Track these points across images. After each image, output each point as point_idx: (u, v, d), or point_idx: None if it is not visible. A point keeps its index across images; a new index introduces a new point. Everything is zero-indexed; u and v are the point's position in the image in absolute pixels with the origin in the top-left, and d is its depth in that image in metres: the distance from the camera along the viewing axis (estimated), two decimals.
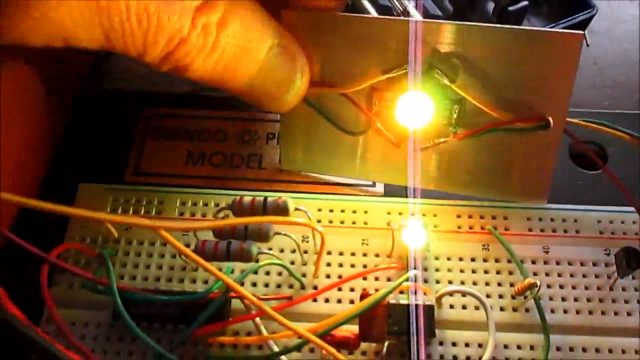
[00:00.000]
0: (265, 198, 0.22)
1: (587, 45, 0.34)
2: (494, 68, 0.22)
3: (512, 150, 0.24)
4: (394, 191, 0.27)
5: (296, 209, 0.22)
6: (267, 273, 0.24)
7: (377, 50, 0.23)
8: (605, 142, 0.28)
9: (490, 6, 0.34)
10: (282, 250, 0.24)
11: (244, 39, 0.20)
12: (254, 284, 0.24)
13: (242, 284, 0.23)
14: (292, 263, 0.24)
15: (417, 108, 0.23)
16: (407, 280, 0.21)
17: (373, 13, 0.32)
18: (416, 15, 0.31)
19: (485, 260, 0.24)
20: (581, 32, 0.22)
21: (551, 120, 0.22)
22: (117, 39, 0.18)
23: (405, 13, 0.32)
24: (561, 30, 0.23)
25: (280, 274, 0.24)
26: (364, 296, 0.21)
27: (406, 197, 0.26)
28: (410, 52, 0.22)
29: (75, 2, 0.17)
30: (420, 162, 0.25)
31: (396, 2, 0.32)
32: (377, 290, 0.21)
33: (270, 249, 0.23)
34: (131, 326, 0.21)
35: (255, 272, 0.23)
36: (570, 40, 0.21)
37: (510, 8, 0.32)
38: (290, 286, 0.24)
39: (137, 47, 0.19)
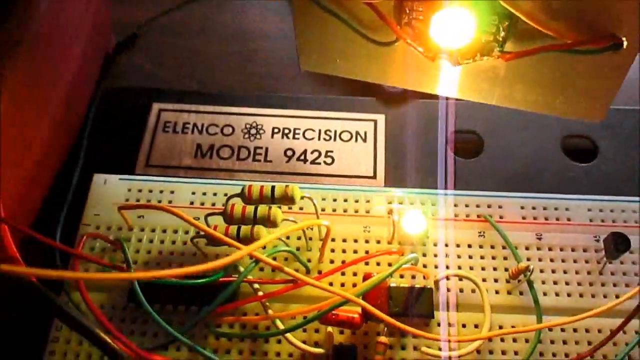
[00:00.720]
0: (273, 186, 0.23)
1: None
2: None
3: (572, 71, 0.21)
4: (393, 184, 0.28)
5: (302, 197, 0.23)
6: (274, 258, 0.25)
7: None
8: (596, 136, 0.30)
9: None
10: (288, 237, 0.25)
11: None
12: (262, 269, 0.25)
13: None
14: (298, 249, 0.25)
15: (455, 26, 0.20)
16: (407, 262, 0.23)
17: None
18: None
19: (481, 247, 0.25)
20: None
21: (624, 40, 0.20)
22: None
23: None
24: None
25: (286, 259, 0.25)
26: (366, 277, 0.22)
27: (406, 187, 0.27)
28: None
29: None
30: (458, 75, 0.23)
31: None
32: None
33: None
34: (147, 309, 0.22)
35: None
36: None
37: None
38: (296, 271, 0.25)
39: None
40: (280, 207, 0.23)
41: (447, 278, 0.24)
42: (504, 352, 0.23)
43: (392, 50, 0.23)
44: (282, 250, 0.24)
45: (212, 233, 0.21)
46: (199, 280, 0.23)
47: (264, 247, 0.25)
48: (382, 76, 0.25)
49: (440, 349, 0.22)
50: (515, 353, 0.23)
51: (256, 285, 0.24)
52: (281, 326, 0.22)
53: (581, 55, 0.20)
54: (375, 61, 0.24)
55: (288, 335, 0.22)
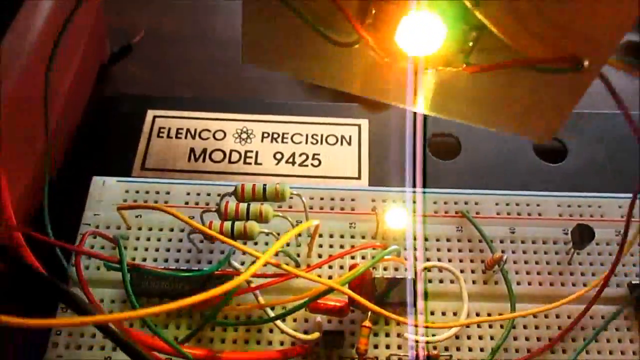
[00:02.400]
0: (264, 185, 0.25)
1: None
2: None
3: (528, 88, 0.21)
4: (377, 182, 0.30)
5: (291, 195, 0.25)
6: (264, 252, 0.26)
7: None
8: (566, 139, 0.32)
9: None
10: (279, 233, 0.27)
11: None
12: (254, 262, 0.26)
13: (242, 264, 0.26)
14: (288, 245, 0.27)
15: (423, 33, 0.19)
16: (389, 254, 0.24)
17: None
18: None
19: (459, 240, 0.27)
20: None
21: (586, 63, 0.19)
22: None
23: None
24: None
25: (277, 254, 0.26)
26: (352, 267, 0.24)
27: (389, 187, 0.29)
28: None
29: None
30: (416, 85, 0.21)
31: None
32: None
33: (269, 232, 0.26)
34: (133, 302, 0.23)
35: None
36: None
37: None
38: (286, 264, 0.26)
39: None
40: (271, 205, 0.25)
41: (428, 270, 0.26)
42: (480, 337, 0.25)
43: (347, 53, 0.21)
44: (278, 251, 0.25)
45: (206, 231, 0.22)
46: (194, 273, 0.24)
47: (256, 243, 0.26)
48: (331, 80, 0.22)
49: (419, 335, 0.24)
50: (492, 338, 0.25)
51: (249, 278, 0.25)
52: (272, 314, 0.24)
53: (538, 74, 0.20)
54: (328, 63, 0.22)
55: (279, 323, 0.24)
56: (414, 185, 0.28)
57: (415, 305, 0.25)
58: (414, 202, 0.28)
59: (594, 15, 0.18)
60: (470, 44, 0.19)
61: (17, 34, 0.27)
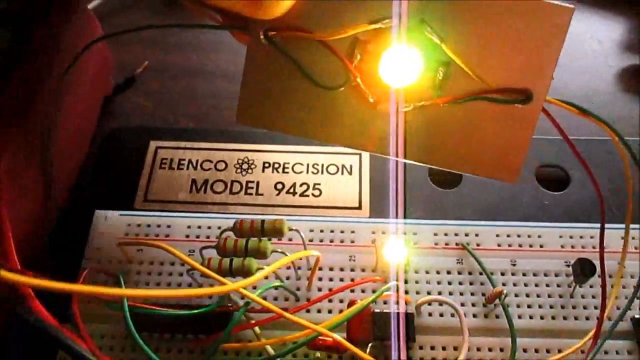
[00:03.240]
0: (263, 220, 0.25)
1: (552, 78, 0.37)
2: (482, 34, 0.22)
3: (490, 122, 0.23)
4: (378, 213, 0.30)
5: (290, 229, 0.25)
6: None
7: None
8: (568, 166, 0.32)
9: None
10: (280, 280, 0.27)
11: None
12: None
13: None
14: (288, 278, 0.27)
15: (403, 64, 0.22)
16: (388, 290, 0.24)
17: None
18: None
19: (459, 273, 0.27)
20: (572, 5, 0.22)
21: (533, 94, 0.23)
22: None
23: None
24: (550, 2, 0.22)
25: (276, 288, 0.27)
26: (351, 304, 0.24)
27: (389, 218, 0.29)
28: (399, 4, 0.22)
29: None
30: (398, 126, 0.24)
31: None
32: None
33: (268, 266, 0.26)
34: (137, 340, 0.23)
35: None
36: (560, 12, 0.21)
37: None
38: (286, 299, 0.26)
39: None
40: (270, 240, 0.25)
41: (428, 303, 0.26)
42: None
43: (334, 105, 0.24)
44: (273, 286, 0.25)
45: (203, 271, 0.22)
46: (195, 311, 0.24)
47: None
48: (320, 135, 0.25)
49: None
50: None
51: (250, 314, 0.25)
52: (272, 352, 0.24)
53: (498, 108, 0.23)
54: (316, 117, 0.24)
55: None
56: (416, 217, 0.28)
57: (414, 340, 0.25)
58: (414, 234, 0.28)
59: (531, 44, 0.22)
60: (440, 77, 0.23)
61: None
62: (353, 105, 0.24)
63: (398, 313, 0.25)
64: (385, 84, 0.23)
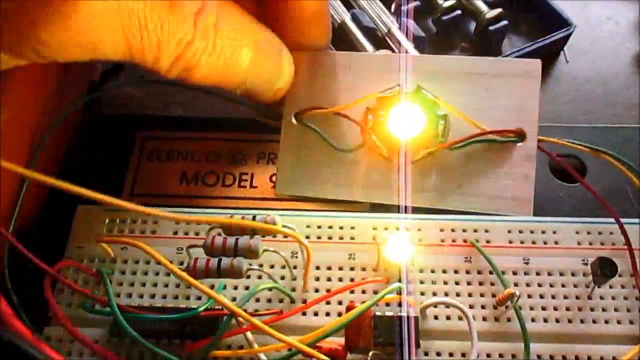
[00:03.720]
0: (254, 216, 0.23)
1: (567, 61, 0.35)
2: (471, 90, 0.27)
3: (495, 162, 0.26)
4: (378, 207, 0.28)
5: (284, 226, 0.23)
6: (257, 286, 0.24)
7: (372, 77, 0.27)
8: (584, 156, 0.29)
9: (472, 26, 0.35)
10: (272, 266, 0.25)
11: (236, 38, 0.23)
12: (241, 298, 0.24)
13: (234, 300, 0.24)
14: (282, 278, 0.25)
15: (408, 118, 0.26)
16: (391, 292, 0.22)
17: (359, 36, 0.34)
18: (402, 39, 0.33)
19: (467, 272, 0.25)
20: (538, 60, 0.27)
21: (526, 132, 0.26)
22: (136, 45, 0.20)
23: (390, 34, 0.34)
24: (520, 60, 0.28)
25: (270, 289, 0.25)
26: (350, 308, 0.22)
27: (391, 212, 0.27)
28: (402, 78, 0.27)
29: (105, 12, 0.19)
30: (410, 176, 0.27)
31: (380, 24, 0.34)
32: (363, 302, 0.22)
33: (260, 265, 0.24)
34: (135, 337, 0.21)
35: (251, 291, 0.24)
36: (530, 66, 0.26)
37: (491, 27, 0.34)
38: (281, 300, 0.25)
39: (153, 52, 0.21)
40: (262, 237, 0.23)
41: (434, 306, 0.24)
42: None
43: (356, 163, 0.28)
44: (265, 288, 0.23)
45: (184, 277, 0.21)
46: (181, 315, 0.22)
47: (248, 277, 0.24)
48: (347, 193, 0.28)
49: None
50: None
51: (240, 318, 0.23)
52: (265, 359, 0.22)
53: (500, 149, 0.26)
54: (342, 177, 0.28)
55: None
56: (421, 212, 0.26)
57: (419, 346, 0.23)
58: (419, 230, 0.26)
59: (512, 94, 0.27)
60: (441, 127, 0.26)
61: None
62: (371, 164, 0.27)
63: (402, 317, 0.23)
64: (395, 139, 0.27)
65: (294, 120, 0.28)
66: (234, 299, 0.24)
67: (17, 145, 0.27)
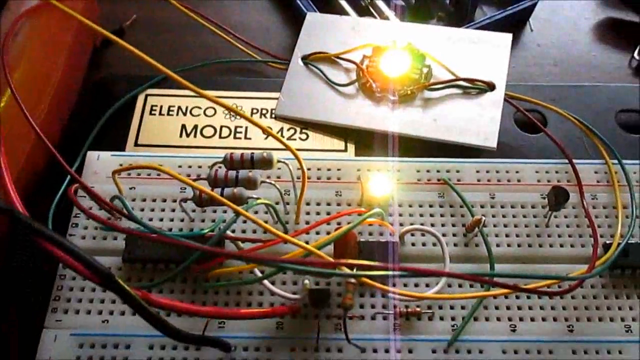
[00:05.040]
0: (253, 152, 0.26)
1: (532, 30, 0.38)
2: (452, 53, 0.33)
3: (467, 105, 0.31)
4: (363, 155, 0.31)
5: (278, 161, 0.26)
6: (256, 212, 0.27)
7: (371, 36, 0.34)
8: (545, 111, 0.33)
9: None
10: (268, 200, 0.28)
11: None
12: (244, 231, 0.27)
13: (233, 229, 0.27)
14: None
15: (398, 61, 0.32)
16: (373, 216, 0.25)
17: (345, 5, 0.37)
18: (384, 8, 0.36)
19: (441, 206, 0.28)
20: (509, 34, 0.33)
21: (495, 85, 0.31)
22: None
23: (373, 3, 0.37)
24: (495, 33, 0.34)
25: (266, 221, 0.27)
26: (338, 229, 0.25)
27: (373, 157, 0.30)
28: (396, 34, 0.34)
29: None
30: (395, 110, 0.32)
31: None
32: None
33: (258, 198, 0.27)
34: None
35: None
36: (502, 39, 0.33)
37: None
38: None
39: None
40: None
41: (412, 234, 0.27)
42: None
43: (349, 97, 0.33)
44: (261, 203, 0.26)
45: (202, 189, 0.23)
46: (188, 233, 0.25)
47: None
48: (339, 119, 0.32)
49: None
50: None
51: (240, 244, 0.26)
52: (260, 274, 0.25)
53: (473, 96, 0.32)
54: (337, 106, 0.33)
55: (268, 283, 0.25)
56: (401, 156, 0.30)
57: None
58: (398, 170, 0.29)
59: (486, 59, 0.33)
60: (425, 72, 0.32)
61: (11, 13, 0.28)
62: (363, 96, 0.33)
63: (383, 242, 0.26)
64: (386, 76, 0.32)
65: (300, 62, 0.34)
66: (233, 231, 0.27)
67: (36, 97, 0.29)
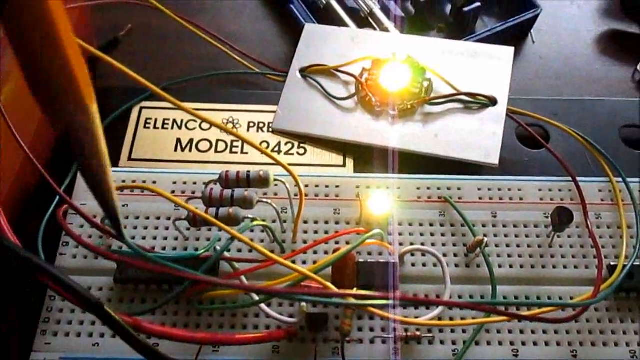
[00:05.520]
0: (249, 170, 0.25)
1: (534, 42, 0.38)
2: (452, 66, 0.32)
3: (469, 120, 0.31)
4: (362, 169, 0.30)
5: (275, 180, 0.25)
6: (252, 240, 0.26)
7: (370, 48, 0.33)
8: (547, 126, 0.32)
9: (448, 8, 0.38)
10: (264, 220, 0.27)
11: None
12: (239, 250, 0.27)
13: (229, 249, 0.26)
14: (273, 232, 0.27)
15: (398, 75, 0.32)
16: (372, 237, 0.25)
17: (344, 16, 0.36)
18: (383, 19, 0.35)
19: (442, 225, 0.27)
20: (511, 47, 0.33)
21: (497, 99, 0.31)
22: None
23: (372, 14, 0.36)
24: (497, 46, 0.33)
25: (262, 240, 0.27)
26: (336, 251, 0.24)
27: (373, 173, 0.29)
28: (396, 46, 0.33)
29: None
30: (395, 125, 0.31)
31: (363, 5, 0.36)
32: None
33: (254, 218, 0.26)
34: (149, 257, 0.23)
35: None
36: (504, 52, 0.33)
37: (465, 9, 0.36)
38: (272, 251, 0.27)
39: None
40: (256, 192, 0.25)
41: (412, 254, 0.26)
42: (462, 318, 0.25)
43: (348, 111, 0.32)
44: (257, 225, 0.25)
45: (195, 212, 0.23)
46: (181, 254, 0.25)
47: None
48: (337, 133, 0.32)
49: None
50: (473, 318, 0.25)
51: (236, 265, 0.25)
52: (256, 298, 0.24)
53: (475, 111, 0.31)
54: (336, 120, 0.32)
55: (264, 307, 0.24)
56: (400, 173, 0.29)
57: (398, 288, 0.25)
58: (398, 188, 0.28)
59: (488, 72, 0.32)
60: (425, 86, 0.32)
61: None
62: (362, 110, 0.32)
63: (382, 263, 0.25)
64: (385, 90, 0.31)
65: (298, 75, 0.33)
66: (229, 251, 0.26)
67: (26, 114, 0.28)
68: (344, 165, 0.31)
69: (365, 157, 0.31)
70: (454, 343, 0.24)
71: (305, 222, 0.27)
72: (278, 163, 0.25)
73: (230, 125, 0.32)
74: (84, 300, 0.18)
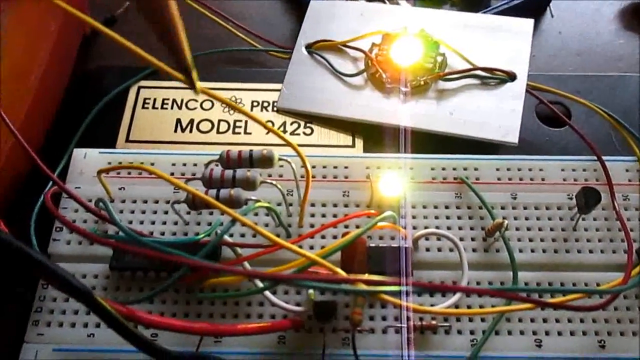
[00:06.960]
0: (251, 149, 0.23)
1: (552, 16, 0.36)
2: (468, 40, 0.30)
3: (486, 97, 0.29)
4: (372, 150, 0.28)
5: (280, 159, 0.24)
6: (255, 224, 0.25)
7: (380, 23, 0.31)
8: (570, 103, 0.30)
9: None
10: (268, 202, 0.25)
11: None
12: (243, 235, 0.25)
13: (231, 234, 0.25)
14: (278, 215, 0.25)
15: (410, 49, 0.30)
16: (384, 220, 0.23)
17: None
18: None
19: (458, 208, 0.26)
20: (531, 19, 0.30)
21: (516, 74, 0.29)
22: None
23: None
24: (514, 18, 0.31)
25: (267, 224, 0.25)
26: (345, 235, 0.23)
27: (384, 154, 0.27)
28: (408, 19, 0.31)
29: None
30: (407, 100, 0.29)
31: None
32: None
33: (257, 200, 0.25)
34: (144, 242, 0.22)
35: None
36: (523, 25, 0.30)
37: None
38: (277, 236, 0.25)
39: None
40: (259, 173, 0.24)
41: (426, 238, 0.25)
42: (481, 306, 0.23)
43: (357, 89, 0.30)
44: (261, 207, 0.23)
45: (194, 192, 0.21)
46: (180, 238, 0.23)
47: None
48: (345, 112, 0.30)
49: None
50: (493, 305, 0.23)
51: (239, 250, 0.24)
52: (260, 285, 0.22)
53: (493, 87, 0.29)
54: (344, 98, 0.30)
55: (269, 294, 0.22)
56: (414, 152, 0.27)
57: (412, 275, 0.24)
58: (411, 168, 0.27)
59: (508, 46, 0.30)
60: (439, 61, 0.30)
61: None
62: (371, 88, 0.30)
63: (394, 247, 0.23)
64: (397, 66, 0.30)
65: (304, 51, 0.32)
66: (231, 235, 0.25)
67: (16, 95, 0.27)
68: (353, 145, 0.29)
69: (376, 136, 0.29)
70: (472, 333, 0.23)
71: (313, 205, 0.26)
72: (287, 143, 0.23)
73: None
74: (72, 288, 0.16)
